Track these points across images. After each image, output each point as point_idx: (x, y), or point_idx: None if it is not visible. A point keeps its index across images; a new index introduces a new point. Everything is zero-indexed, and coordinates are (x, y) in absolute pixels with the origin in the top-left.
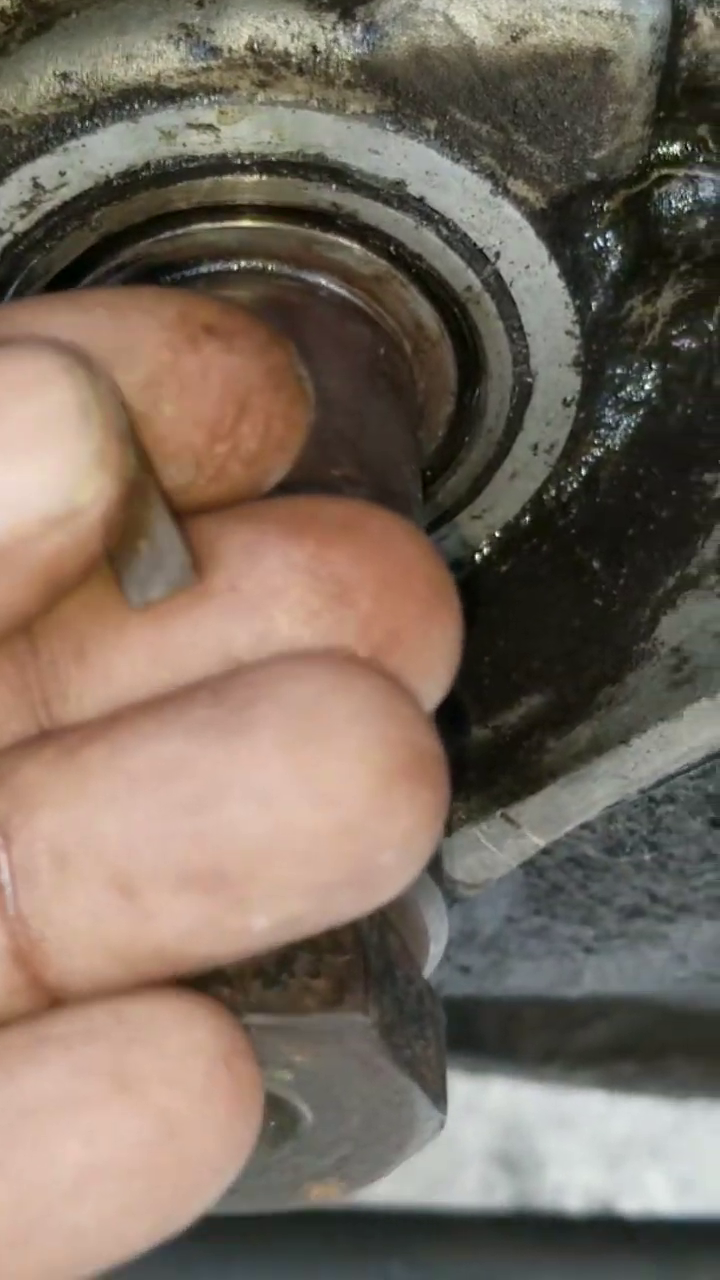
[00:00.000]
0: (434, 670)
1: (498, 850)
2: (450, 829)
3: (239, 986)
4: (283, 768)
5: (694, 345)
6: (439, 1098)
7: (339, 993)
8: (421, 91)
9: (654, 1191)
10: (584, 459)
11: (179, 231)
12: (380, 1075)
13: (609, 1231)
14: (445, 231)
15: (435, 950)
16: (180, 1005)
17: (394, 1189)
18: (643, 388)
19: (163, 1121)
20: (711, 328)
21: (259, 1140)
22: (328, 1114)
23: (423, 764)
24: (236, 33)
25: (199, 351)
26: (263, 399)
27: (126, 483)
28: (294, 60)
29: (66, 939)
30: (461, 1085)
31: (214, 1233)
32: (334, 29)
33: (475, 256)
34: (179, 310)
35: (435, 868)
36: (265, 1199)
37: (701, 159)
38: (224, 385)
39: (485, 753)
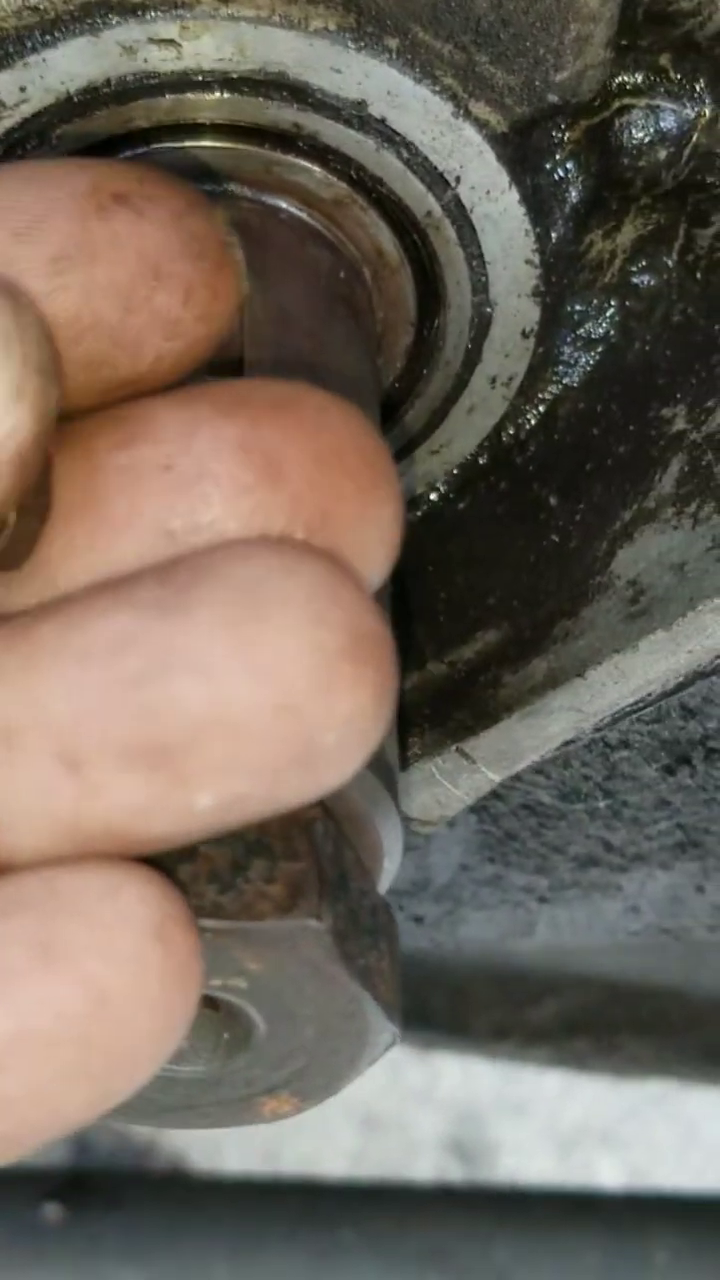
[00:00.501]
0: (372, 550)
1: (452, 786)
2: (405, 764)
3: (193, 891)
4: (224, 644)
5: (653, 282)
6: (392, 1010)
7: (293, 898)
8: (384, 8)
9: (607, 1178)
10: (542, 396)
11: (139, 150)
12: (333, 983)
13: (563, 1204)
14: (406, 154)
15: (390, 866)
16: (113, 875)
17: (347, 1173)
18: (601, 325)
19: (91, 991)
20: (670, 264)
21: (213, 1051)
22: (281, 1024)
23: (366, 645)
24: None
25: (108, 221)
26: (180, 266)
27: (46, 418)
28: None
29: (14, 814)
30: (414, 1073)
31: (165, 1199)
32: None
33: (436, 181)
34: (91, 179)
35: (391, 784)
36: (219, 1114)
37: (662, 89)
38: (136, 254)
39: (440, 688)
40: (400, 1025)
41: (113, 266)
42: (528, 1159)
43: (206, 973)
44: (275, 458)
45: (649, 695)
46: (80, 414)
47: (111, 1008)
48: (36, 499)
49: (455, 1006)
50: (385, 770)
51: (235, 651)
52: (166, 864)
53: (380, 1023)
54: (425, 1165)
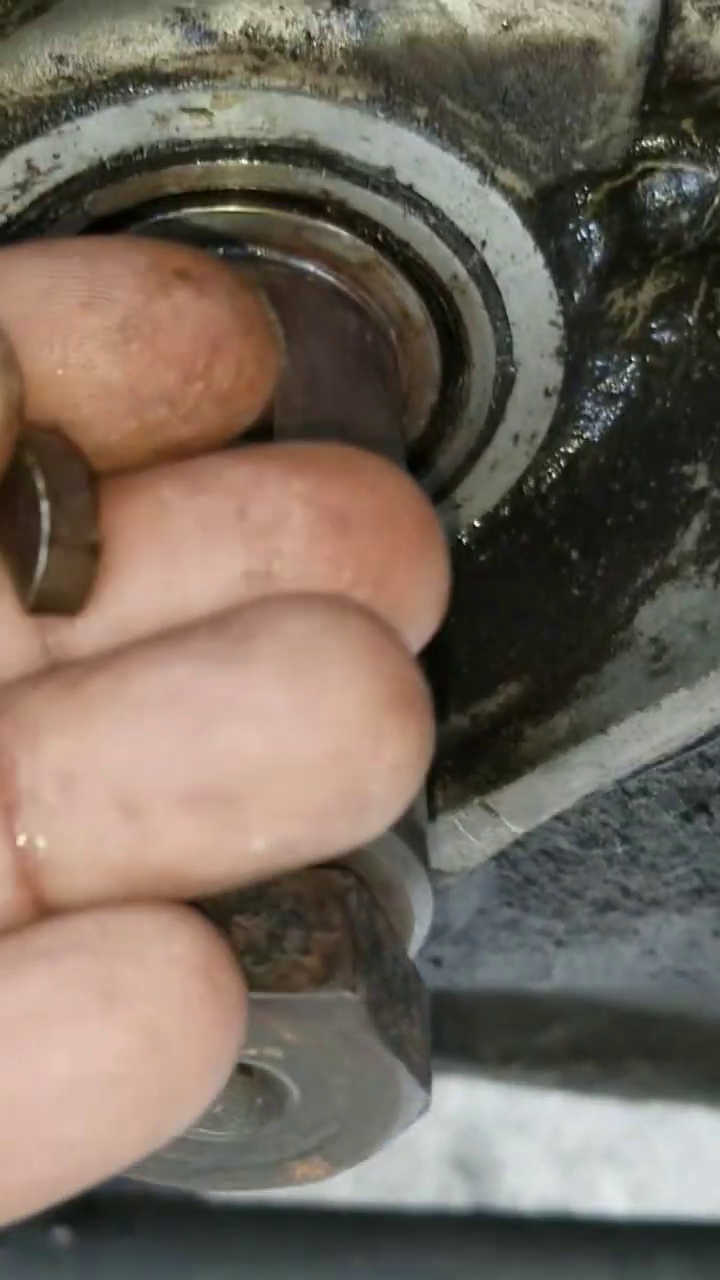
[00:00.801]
0: (421, 611)
1: (475, 839)
2: (431, 815)
3: None
4: (282, 694)
5: (673, 338)
6: (424, 1078)
7: (329, 969)
8: (413, 79)
9: (609, 1196)
10: (563, 450)
11: (170, 216)
12: (367, 1054)
13: (568, 1232)
14: (433, 219)
15: (420, 931)
16: (162, 918)
17: (352, 1192)
18: (622, 380)
19: (147, 1032)
20: (691, 321)
21: (246, 1116)
22: (314, 1092)
23: (411, 699)
24: (232, 18)
25: (171, 295)
26: (234, 341)
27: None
28: (288, 46)
29: (71, 860)
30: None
31: (175, 1225)
32: (328, 15)
33: (462, 245)
34: (151, 257)
35: (421, 848)
36: (250, 1178)
37: (685, 152)
38: (196, 327)
39: (463, 741)
40: (430, 1092)
41: (175, 338)
42: (531, 1176)
43: (245, 1027)
44: (344, 513)
45: (670, 750)
46: (132, 469)
47: (166, 1049)
48: (76, 535)
49: (463, 1031)
50: (415, 836)
51: (292, 702)
52: None
53: (413, 1091)
54: (429, 1182)
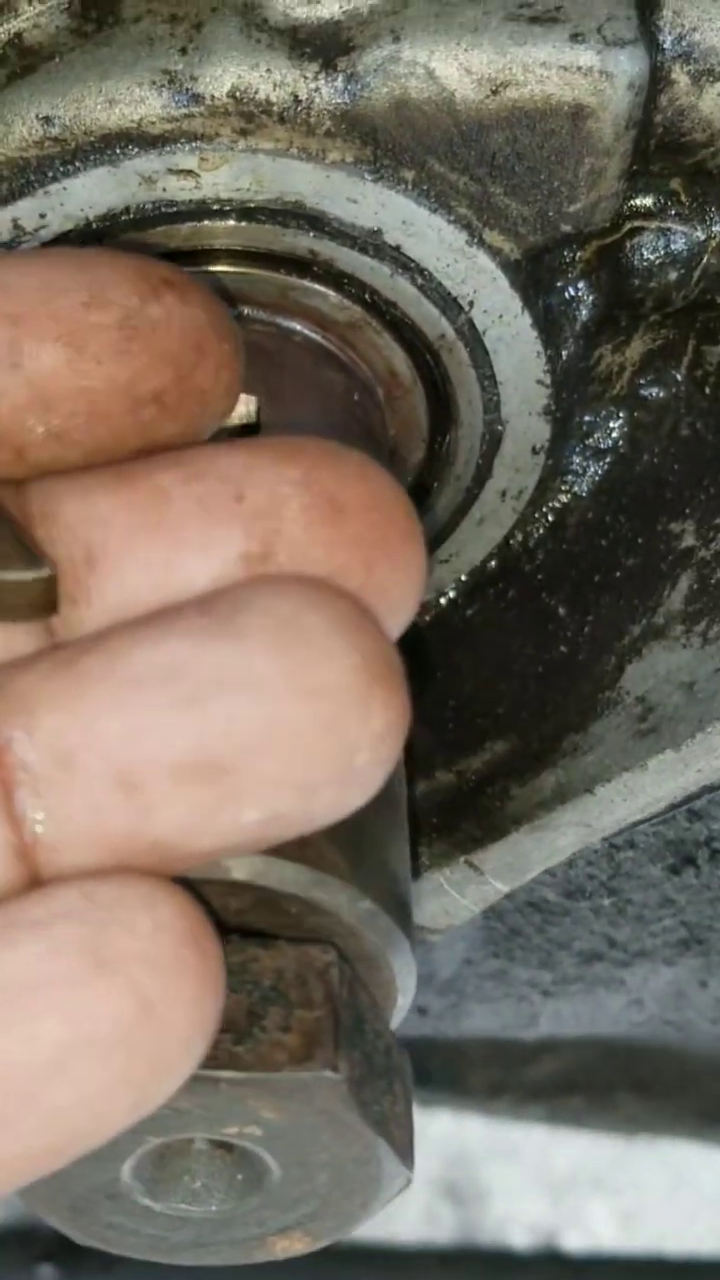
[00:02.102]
0: (405, 593)
1: (460, 896)
2: (415, 874)
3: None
4: (274, 667)
5: (661, 395)
6: (406, 1155)
7: (309, 1049)
8: (400, 142)
9: (597, 1225)
10: (551, 505)
11: None
12: (348, 1132)
13: (555, 1268)
14: (420, 280)
15: (403, 1002)
16: (146, 888)
17: None
18: (610, 435)
19: (138, 998)
20: (679, 378)
21: (226, 1193)
22: (295, 1169)
23: (393, 673)
24: (219, 80)
25: (161, 300)
26: (213, 345)
27: None
28: (275, 109)
29: (69, 836)
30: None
31: (160, 1266)
32: (316, 79)
33: (449, 305)
34: (137, 266)
35: (404, 919)
36: (230, 1252)
37: (673, 212)
38: (184, 330)
39: (449, 798)
40: (412, 1168)
41: (168, 339)
42: (519, 1203)
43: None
44: (337, 499)
45: (656, 810)
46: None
47: (155, 1013)
48: (16, 552)
49: (452, 1065)
50: (399, 907)
51: (285, 674)
52: None
53: (394, 1168)
54: (416, 1208)
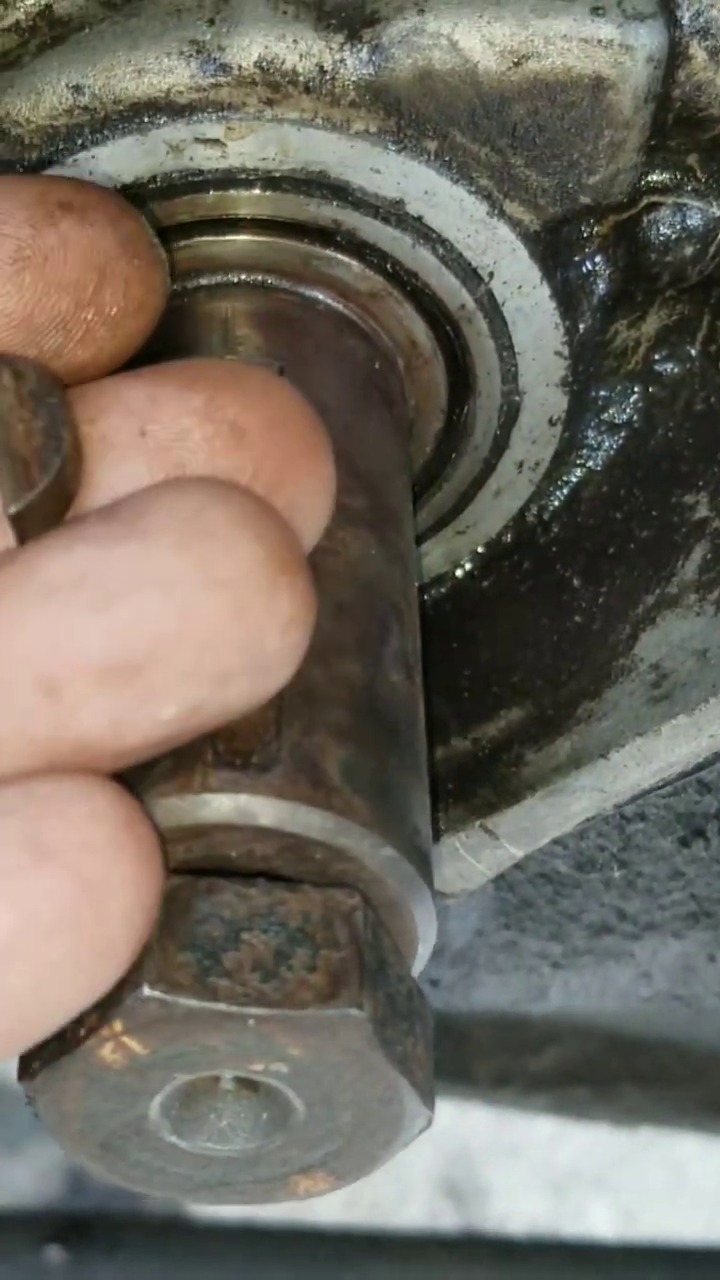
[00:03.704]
0: (315, 505)
1: (475, 861)
2: (433, 837)
3: (238, 979)
4: (181, 562)
5: (676, 370)
6: (427, 1095)
7: (335, 987)
8: (424, 113)
9: (597, 1221)
10: (567, 478)
11: (181, 244)
12: (372, 1070)
13: (558, 1256)
14: (441, 251)
15: (424, 951)
16: (80, 781)
17: (340, 1214)
18: (625, 410)
19: (79, 881)
20: (693, 353)
21: (251, 1132)
22: (319, 1108)
23: (297, 559)
24: (246, 51)
25: (57, 225)
26: (120, 265)
27: None
28: (301, 79)
29: None
30: None
31: (166, 1244)
32: (341, 50)
33: (469, 276)
34: (36, 191)
35: (425, 869)
36: (253, 1192)
37: (690, 187)
38: (82, 254)
39: (464, 764)
40: (433, 1109)
41: (64, 266)
42: (520, 1202)
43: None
44: (238, 424)
45: (669, 776)
46: None
47: (95, 893)
48: (46, 449)
49: (458, 1054)
50: (420, 858)
51: (192, 567)
52: (209, 947)
53: (416, 1107)
54: (417, 1206)
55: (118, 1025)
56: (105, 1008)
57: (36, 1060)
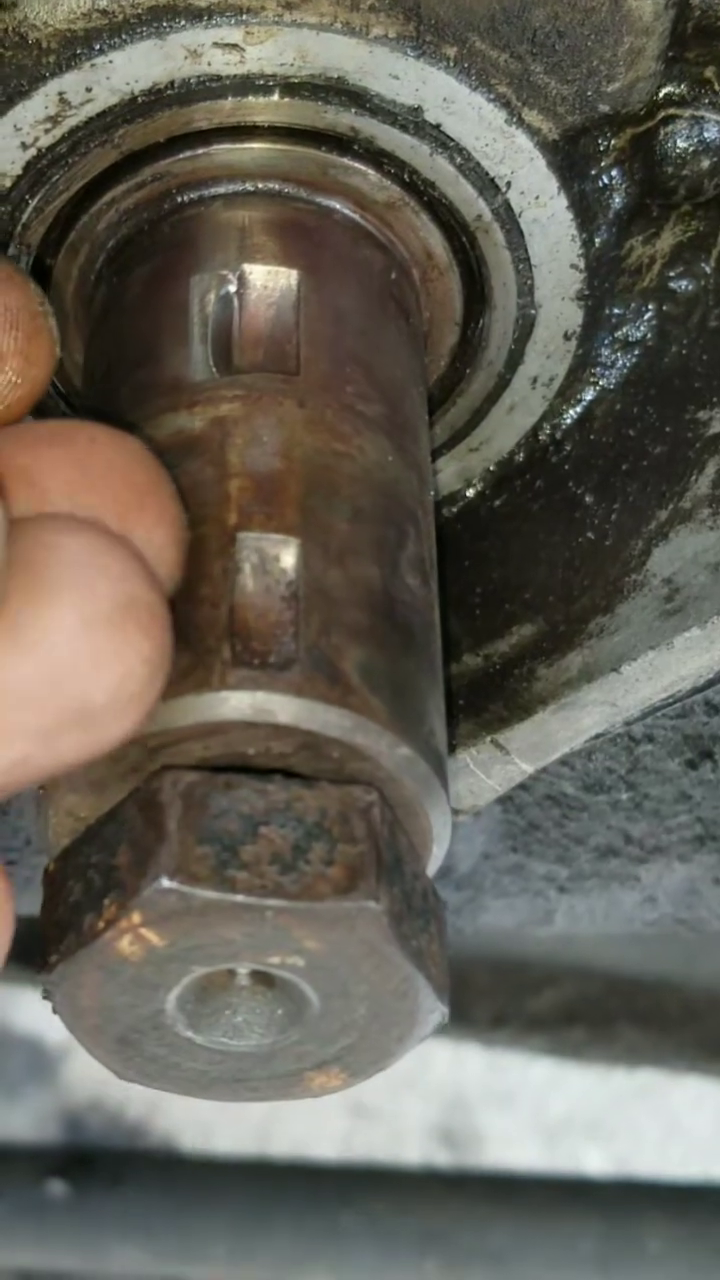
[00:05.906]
0: (164, 539)
1: (486, 776)
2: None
3: (255, 871)
4: None
5: (690, 287)
6: (442, 990)
7: (352, 880)
8: (443, 18)
9: (590, 1168)
10: (580, 396)
11: (199, 151)
12: (387, 963)
13: (557, 1191)
14: (459, 159)
15: (438, 852)
16: None
17: (339, 1158)
18: (639, 328)
19: None
20: (708, 270)
21: (267, 1026)
22: (335, 1002)
23: (131, 612)
24: None
25: None
26: None
27: None
28: None
29: None
30: (404, 1061)
31: (167, 1178)
32: None
33: (487, 186)
34: None
35: (441, 772)
36: (268, 1088)
37: (707, 100)
38: None
39: (476, 680)
40: (448, 1005)
41: None
42: (514, 1148)
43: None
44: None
45: (680, 691)
46: None
47: None
48: None
49: (455, 995)
50: (436, 758)
51: (6, 631)
52: (227, 840)
53: (430, 1002)
54: (412, 1152)
55: (136, 917)
56: (123, 900)
57: (54, 953)
